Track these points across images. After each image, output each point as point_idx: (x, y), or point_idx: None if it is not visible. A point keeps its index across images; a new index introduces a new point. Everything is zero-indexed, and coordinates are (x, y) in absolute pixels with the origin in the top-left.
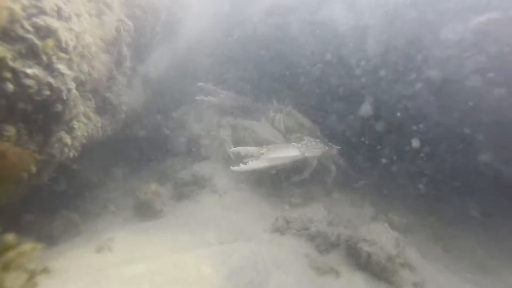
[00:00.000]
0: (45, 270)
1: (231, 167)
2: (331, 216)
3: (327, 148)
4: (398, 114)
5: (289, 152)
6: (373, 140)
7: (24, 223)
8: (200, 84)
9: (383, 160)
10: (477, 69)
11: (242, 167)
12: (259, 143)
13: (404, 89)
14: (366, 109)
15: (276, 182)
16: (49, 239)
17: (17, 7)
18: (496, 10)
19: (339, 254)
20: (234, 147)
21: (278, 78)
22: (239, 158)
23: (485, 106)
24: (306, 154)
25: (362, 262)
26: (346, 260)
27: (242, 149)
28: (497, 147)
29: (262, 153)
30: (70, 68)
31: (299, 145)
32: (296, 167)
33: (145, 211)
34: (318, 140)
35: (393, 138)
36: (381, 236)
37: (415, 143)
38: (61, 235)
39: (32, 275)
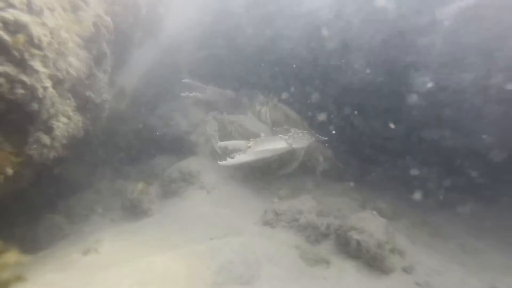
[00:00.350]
0: (20, 278)
1: (219, 162)
2: (320, 206)
3: (313, 139)
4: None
5: (276, 145)
6: (356, 130)
7: (7, 227)
8: (185, 80)
9: (368, 150)
10: None
11: (229, 161)
12: (246, 137)
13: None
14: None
15: (265, 176)
16: (34, 243)
17: None
18: None
19: (330, 244)
20: (221, 141)
21: (263, 71)
22: (227, 153)
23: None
24: (293, 146)
25: (352, 250)
26: (337, 250)
27: (229, 143)
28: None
29: (249, 147)
30: (45, 65)
31: (286, 137)
32: (284, 160)
33: (133, 210)
34: (305, 131)
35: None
36: (370, 224)
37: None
38: (46, 239)
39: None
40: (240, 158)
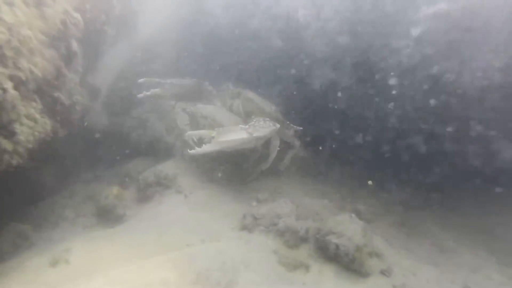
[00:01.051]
0: None
1: (188, 151)
2: (299, 209)
3: (277, 126)
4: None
5: (237, 134)
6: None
7: None
8: (140, 80)
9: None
10: None
11: (197, 150)
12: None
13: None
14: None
15: (243, 175)
16: None
17: None
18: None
19: (309, 248)
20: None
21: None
22: (195, 142)
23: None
24: (254, 135)
25: (331, 254)
26: (316, 254)
27: (195, 133)
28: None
29: (213, 137)
30: (3, 65)
31: (246, 126)
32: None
33: (106, 216)
34: (268, 119)
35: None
36: (348, 227)
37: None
38: (10, 250)
39: None
40: (205, 148)
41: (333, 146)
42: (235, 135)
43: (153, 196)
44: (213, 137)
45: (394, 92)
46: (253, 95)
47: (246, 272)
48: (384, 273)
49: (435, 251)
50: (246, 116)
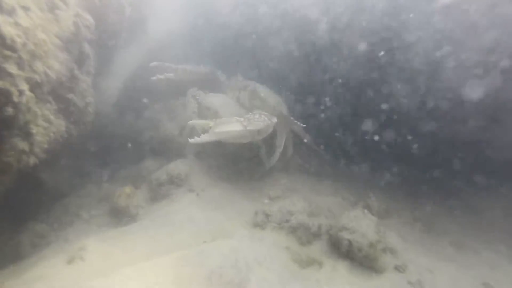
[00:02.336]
0: None
1: (189, 140)
2: (312, 206)
3: (274, 120)
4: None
5: (232, 126)
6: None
7: None
8: (152, 64)
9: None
10: None
11: (196, 139)
12: None
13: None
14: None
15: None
16: (16, 253)
17: None
18: None
19: (321, 244)
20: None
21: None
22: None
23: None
24: (248, 128)
25: (344, 251)
26: (329, 250)
27: (196, 123)
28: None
29: (211, 127)
30: (20, 67)
31: (242, 119)
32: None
33: (120, 215)
34: (265, 113)
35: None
36: (361, 223)
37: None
38: (29, 248)
39: None
40: (203, 138)
41: (347, 141)
42: (230, 126)
43: (165, 195)
44: (210, 127)
45: (409, 86)
46: (260, 88)
47: (259, 269)
48: (398, 269)
49: (452, 248)
50: (252, 109)
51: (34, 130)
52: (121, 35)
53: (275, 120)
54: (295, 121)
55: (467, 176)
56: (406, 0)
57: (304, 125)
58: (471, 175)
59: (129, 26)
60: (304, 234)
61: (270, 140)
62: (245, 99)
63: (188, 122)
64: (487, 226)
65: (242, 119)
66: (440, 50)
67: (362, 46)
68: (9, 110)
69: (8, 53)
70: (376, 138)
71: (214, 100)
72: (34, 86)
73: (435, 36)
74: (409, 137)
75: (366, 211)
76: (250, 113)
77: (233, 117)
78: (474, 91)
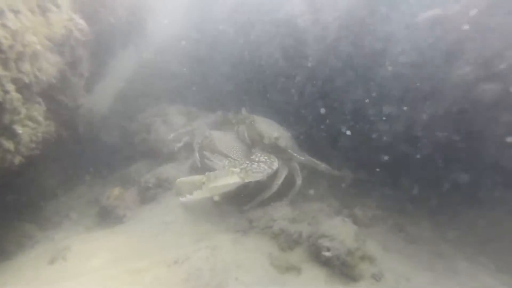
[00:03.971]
0: None
1: (180, 199)
2: (296, 213)
3: (275, 167)
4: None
5: (228, 179)
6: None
7: None
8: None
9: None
10: None
11: (188, 197)
12: (215, 152)
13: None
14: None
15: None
16: (1, 253)
17: None
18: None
19: (302, 251)
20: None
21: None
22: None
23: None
24: (245, 180)
25: (323, 258)
26: (309, 257)
27: (187, 179)
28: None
29: (203, 183)
30: (6, 68)
31: (238, 170)
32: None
33: (107, 217)
34: (267, 158)
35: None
36: (341, 231)
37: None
38: (15, 249)
39: None
40: (196, 195)
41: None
42: (226, 180)
43: (153, 197)
44: (203, 183)
45: (399, 95)
46: (260, 121)
47: (237, 273)
48: (375, 277)
49: (433, 257)
50: (252, 143)
51: (20, 130)
52: (117, 38)
53: (275, 166)
54: (295, 154)
55: (460, 189)
56: None
57: (303, 158)
58: (465, 188)
59: (125, 30)
60: (285, 240)
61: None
62: (244, 133)
63: (178, 180)
64: (470, 237)
65: (238, 170)
66: None
67: None
68: None
69: None
70: (372, 145)
71: (215, 134)
72: (22, 87)
73: None
74: (406, 146)
75: (346, 219)
76: (247, 162)
77: (229, 168)
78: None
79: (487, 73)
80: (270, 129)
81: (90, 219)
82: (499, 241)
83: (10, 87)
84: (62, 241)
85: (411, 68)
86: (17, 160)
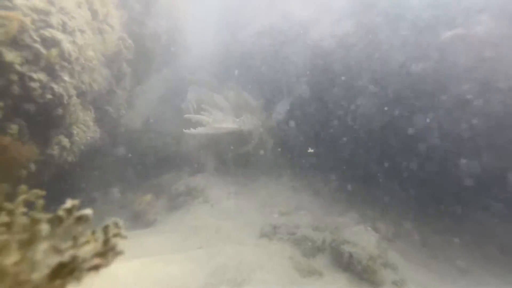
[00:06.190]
0: None
1: (184, 130)
2: (317, 222)
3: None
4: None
5: (229, 124)
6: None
7: None
8: (185, 116)
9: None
10: None
11: (192, 130)
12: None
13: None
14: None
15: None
16: None
17: (27, 20)
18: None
19: (324, 257)
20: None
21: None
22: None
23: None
24: (242, 128)
25: (344, 263)
26: (331, 263)
27: (193, 117)
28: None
29: (209, 122)
30: (71, 76)
31: (238, 119)
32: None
33: (139, 220)
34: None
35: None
36: (363, 238)
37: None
38: None
39: None
40: (200, 130)
41: (358, 165)
42: (228, 124)
43: (182, 204)
44: (209, 122)
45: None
46: (244, 93)
47: (261, 273)
48: (396, 283)
49: (455, 271)
50: (236, 106)
51: (75, 131)
52: (156, 58)
53: (260, 124)
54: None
55: (486, 205)
56: None
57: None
58: (491, 204)
59: (164, 51)
60: (308, 247)
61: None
62: (232, 97)
63: (187, 116)
64: (496, 259)
65: (238, 119)
66: None
67: None
68: (59, 110)
69: (65, 64)
70: (393, 161)
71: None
72: (80, 94)
73: None
74: (429, 162)
75: (369, 227)
76: (245, 116)
77: (230, 117)
78: None
79: None
80: (251, 98)
81: (123, 222)
82: None
83: (73, 92)
84: None
85: None
86: (70, 158)
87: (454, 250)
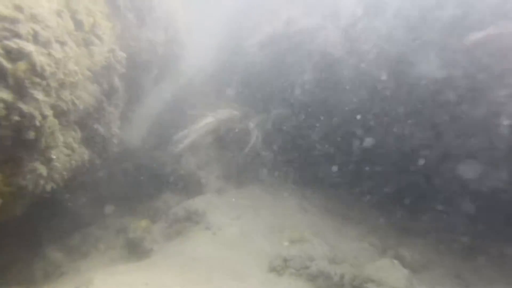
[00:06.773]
0: None
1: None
2: (334, 252)
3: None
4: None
5: (204, 120)
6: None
7: (4, 265)
8: (173, 137)
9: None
10: None
11: (179, 146)
12: None
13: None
14: None
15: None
16: (29, 282)
17: None
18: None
19: None
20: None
21: None
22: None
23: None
24: (217, 117)
25: None
26: None
27: (179, 136)
28: None
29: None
30: (46, 94)
31: (211, 114)
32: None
33: (134, 250)
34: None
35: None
36: (390, 275)
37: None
38: (41, 279)
39: None
40: (186, 142)
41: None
42: (203, 120)
43: (181, 231)
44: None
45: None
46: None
47: None
48: None
49: None
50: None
51: (54, 156)
52: (153, 71)
53: (236, 112)
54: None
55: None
56: None
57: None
58: None
59: (161, 63)
60: (324, 284)
61: None
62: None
63: (173, 138)
64: None
65: (211, 114)
66: None
67: None
68: (31, 134)
69: (36, 80)
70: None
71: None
72: (60, 114)
73: None
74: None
75: (396, 261)
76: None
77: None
78: None
79: None
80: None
81: (117, 251)
82: None
83: (49, 112)
84: (87, 272)
85: None
86: (49, 186)
87: (492, 282)
